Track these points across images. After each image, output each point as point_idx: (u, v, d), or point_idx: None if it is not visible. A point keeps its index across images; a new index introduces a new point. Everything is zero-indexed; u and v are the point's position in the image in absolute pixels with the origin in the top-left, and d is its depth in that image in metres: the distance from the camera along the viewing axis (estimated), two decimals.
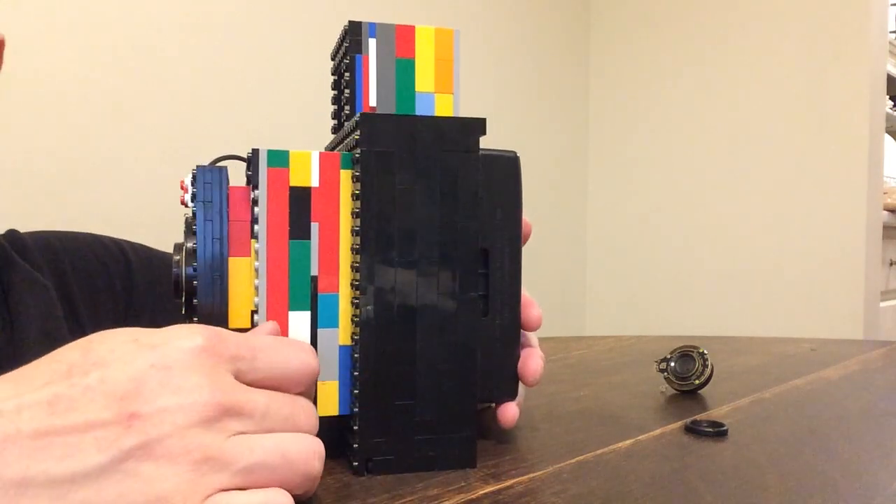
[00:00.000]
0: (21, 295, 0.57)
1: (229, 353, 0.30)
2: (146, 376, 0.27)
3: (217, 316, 0.35)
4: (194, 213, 0.35)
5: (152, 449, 0.27)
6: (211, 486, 0.27)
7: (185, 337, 0.29)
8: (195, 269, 0.35)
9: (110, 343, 0.29)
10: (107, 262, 0.65)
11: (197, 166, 0.36)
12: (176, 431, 0.27)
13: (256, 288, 0.36)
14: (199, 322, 0.35)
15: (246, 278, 0.36)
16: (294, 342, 0.33)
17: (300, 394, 0.33)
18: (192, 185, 0.36)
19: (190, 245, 0.35)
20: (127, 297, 0.65)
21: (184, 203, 0.36)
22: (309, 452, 0.30)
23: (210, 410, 0.28)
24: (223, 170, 0.36)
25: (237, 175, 0.44)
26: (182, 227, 0.36)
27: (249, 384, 0.30)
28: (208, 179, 0.36)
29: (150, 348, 0.28)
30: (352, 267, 0.37)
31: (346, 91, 0.39)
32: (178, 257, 0.35)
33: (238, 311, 0.36)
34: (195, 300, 0.35)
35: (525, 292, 0.44)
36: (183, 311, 0.36)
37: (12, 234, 0.62)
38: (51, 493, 0.26)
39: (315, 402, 0.35)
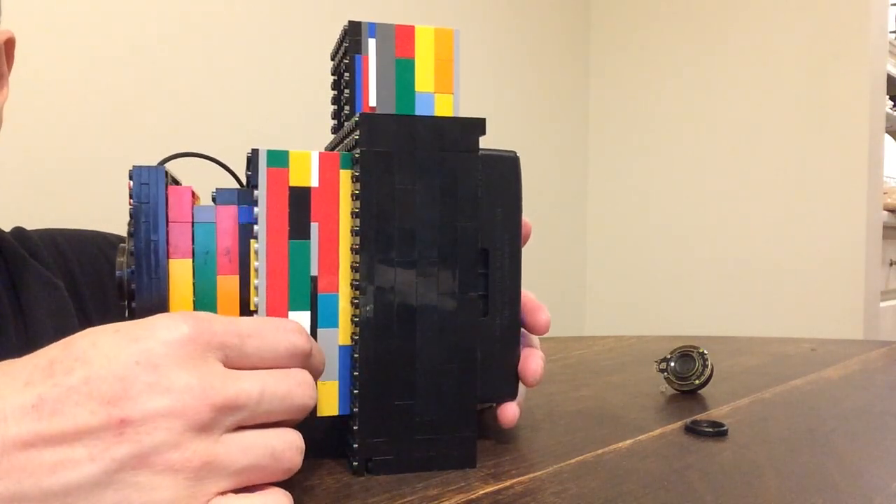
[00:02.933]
0: (34, 294, 0.57)
1: (217, 339, 0.29)
2: (132, 375, 0.26)
3: None
4: (133, 214, 0.35)
5: (147, 458, 0.26)
6: (209, 492, 0.27)
7: (170, 327, 0.28)
8: (134, 272, 0.34)
9: (91, 336, 0.27)
10: (114, 261, 0.65)
11: (134, 166, 0.35)
12: (171, 438, 0.26)
13: (256, 288, 0.36)
14: None
15: (187, 280, 0.35)
16: (283, 323, 0.32)
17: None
18: None
19: (129, 247, 0.34)
20: None
21: (131, 204, 0.35)
22: (293, 448, 0.29)
23: (203, 413, 0.27)
24: (161, 170, 0.35)
25: (210, 173, 0.43)
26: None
27: (238, 368, 0.29)
28: (144, 179, 0.35)
29: (132, 341, 0.27)
30: (351, 267, 0.37)
31: (346, 91, 0.39)
32: (120, 259, 0.34)
33: None
34: (134, 303, 0.34)
35: (532, 296, 0.44)
36: (126, 314, 0.35)
37: (20, 233, 0.62)
38: None
39: (317, 374, 0.34)
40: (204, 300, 0.36)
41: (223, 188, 0.37)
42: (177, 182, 0.37)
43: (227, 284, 0.36)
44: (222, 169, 0.47)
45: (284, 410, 0.30)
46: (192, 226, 0.36)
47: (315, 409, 0.35)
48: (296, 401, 0.30)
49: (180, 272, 0.35)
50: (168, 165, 0.37)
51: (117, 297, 0.35)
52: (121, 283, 0.34)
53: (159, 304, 0.34)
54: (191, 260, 0.35)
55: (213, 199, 0.37)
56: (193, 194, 0.36)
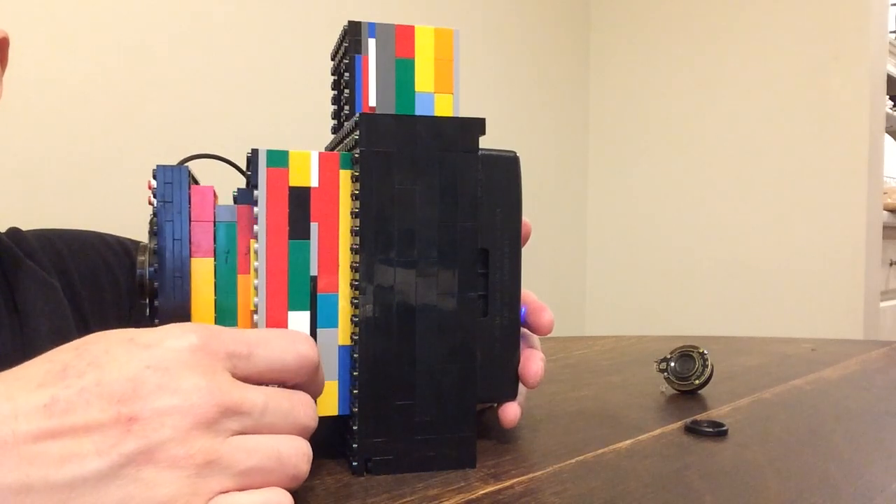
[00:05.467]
0: (30, 295, 0.57)
1: (225, 350, 0.29)
2: (143, 378, 0.27)
3: (179, 318, 0.34)
4: (156, 213, 0.35)
5: (153, 453, 0.26)
6: (212, 490, 0.27)
7: (179, 336, 0.29)
8: (156, 270, 0.35)
9: (104, 343, 0.28)
10: (111, 262, 0.65)
11: (158, 165, 0.35)
12: (176, 435, 0.27)
13: (256, 288, 0.36)
14: (161, 324, 0.34)
15: (209, 279, 0.36)
16: (290, 333, 0.32)
17: (300, 384, 0.33)
18: None
19: (152, 245, 0.35)
20: (131, 296, 0.65)
21: (151, 203, 0.36)
22: (299, 454, 0.30)
23: (209, 412, 0.27)
24: (184, 169, 0.35)
25: (217, 173, 0.43)
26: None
27: (247, 379, 0.30)
28: (168, 179, 0.35)
29: (144, 348, 0.28)
30: (351, 267, 0.37)
31: (346, 91, 0.39)
32: (141, 258, 0.35)
33: (201, 312, 0.36)
34: (156, 302, 0.35)
35: (535, 297, 0.44)
36: (147, 313, 0.35)
37: (16, 234, 0.62)
38: (51, 499, 0.25)
39: (318, 391, 0.35)
40: (224, 299, 0.36)
41: (245, 188, 0.37)
42: (196, 182, 0.37)
43: (248, 283, 0.36)
44: (232, 168, 0.47)
45: (287, 426, 0.30)
46: (214, 225, 0.36)
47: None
48: (298, 419, 0.31)
49: (202, 271, 0.36)
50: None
51: (138, 295, 0.35)
52: (142, 282, 0.35)
53: (182, 303, 0.35)
54: (212, 259, 0.36)
55: (235, 199, 0.37)
56: (214, 194, 0.36)
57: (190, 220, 0.35)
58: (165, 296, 0.35)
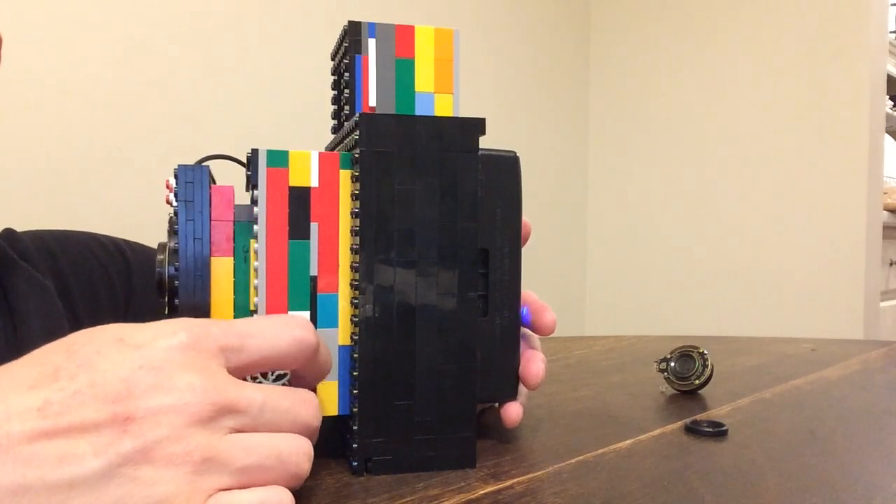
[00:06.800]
0: (23, 296, 0.56)
1: (217, 344, 0.29)
2: (136, 378, 0.27)
3: (198, 316, 0.35)
4: (176, 213, 0.35)
5: (150, 452, 0.26)
6: (211, 487, 0.27)
7: (170, 335, 0.29)
8: (176, 269, 0.35)
9: (95, 344, 0.28)
10: (105, 263, 0.65)
11: (179, 165, 0.36)
12: (173, 433, 0.27)
13: (256, 288, 0.36)
14: None
15: (228, 278, 0.36)
16: (284, 318, 0.32)
17: (300, 369, 0.33)
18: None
19: (172, 244, 0.35)
20: (126, 298, 0.65)
21: (169, 202, 0.36)
22: (300, 453, 0.30)
23: (205, 410, 0.27)
24: (205, 169, 0.36)
25: (230, 174, 0.44)
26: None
27: (242, 370, 0.30)
28: (189, 178, 0.35)
29: (135, 348, 0.28)
30: (351, 267, 0.37)
31: (346, 91, 0.39)
32: (160, 257, 0.35)
33: (220, 311, 0.36)
34: (176, 300, 0.35)
35: (536, 297, 0.44)
36: (166, 311, 0.36)
37: (10, 235, 0.62)
38: (49, 499, 0.25)
39: (322, 373, 0.35)
40: (244, 298, 0.36)
41: None
42: (214, 181, 0.37)
43: None
44: (243, 168, 0.47)
45: (288, 424, 0.30)
46: (234, 224, 0.36)
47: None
48: (299, 417, 0.30)
49: (221, 270, 0.36)
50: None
51: (157, 294, 0.35)
52: (161, 281, 0.35)
53: (202, 302, 0.35)
54: (231, 258, 0.36)
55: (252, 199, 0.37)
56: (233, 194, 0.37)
57: (210, 220, 0.36)
58: (186, 294, 0.35)
